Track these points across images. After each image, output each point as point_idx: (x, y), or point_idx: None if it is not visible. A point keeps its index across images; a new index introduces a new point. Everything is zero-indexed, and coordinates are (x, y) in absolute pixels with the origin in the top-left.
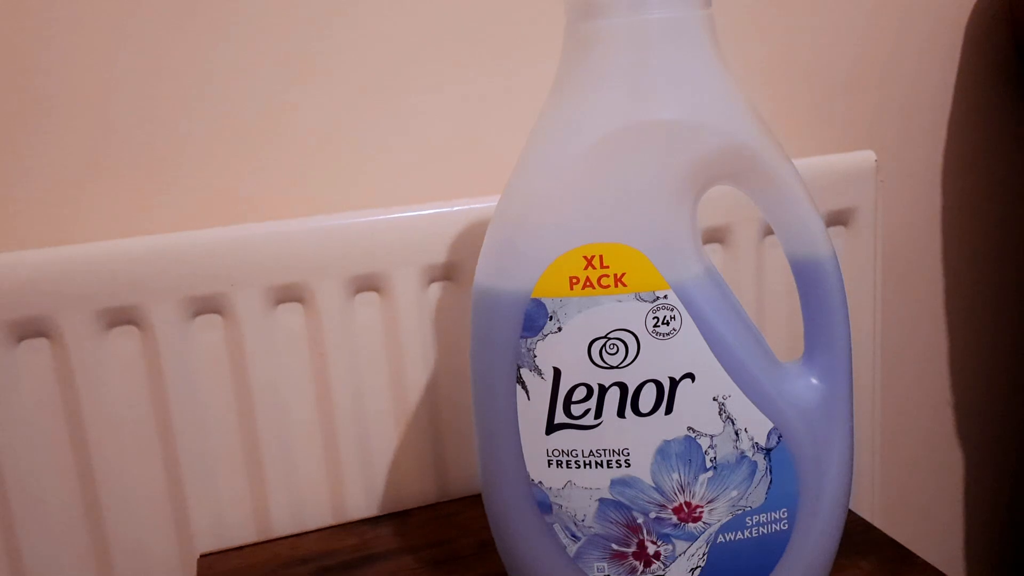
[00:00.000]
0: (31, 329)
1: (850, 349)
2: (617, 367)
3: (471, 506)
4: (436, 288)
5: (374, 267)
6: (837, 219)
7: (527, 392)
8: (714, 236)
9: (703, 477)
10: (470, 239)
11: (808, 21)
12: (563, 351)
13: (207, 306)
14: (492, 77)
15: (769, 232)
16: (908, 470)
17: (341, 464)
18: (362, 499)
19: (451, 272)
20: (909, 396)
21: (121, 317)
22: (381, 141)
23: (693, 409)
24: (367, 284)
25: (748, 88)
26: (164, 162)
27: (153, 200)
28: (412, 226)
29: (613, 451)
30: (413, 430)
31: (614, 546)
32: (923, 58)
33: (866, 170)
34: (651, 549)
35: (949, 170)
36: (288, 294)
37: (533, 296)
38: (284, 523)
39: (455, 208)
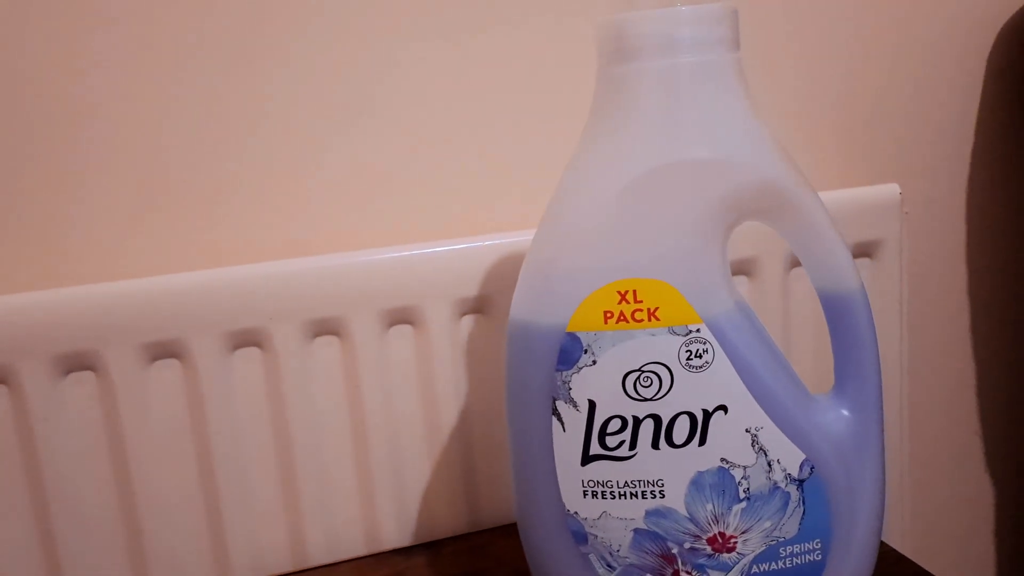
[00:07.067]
0: (77, 363)
1: (880, 381)
2: (651, 399)
3: (503, 536)
4: (468, 321)
5: (407, 301)
6: (862, 251)
7: (562, 424)
8: (741, 268)
9: (736, 508)
10: (501, 273)
11: (832, 56)
12: (598, 384)
13: (246, 339)
14: (522, 114)
15: (795, 264)
16: (937, 500)
17: (375, 494)
18: (395, 529)
19: (482, 305)
20: (937, 426)
21: (164, 351)
22: (414, 177)
23: (726, 441)
24: (401, 317)
25: (774, 123)
26: (207, 201)
27: (195, 237)
28: (444, 260)
29: (648, 482)
30: (445, 460)
31: None
32: (946, 91)
33: (891, 202)
34: None
35: (973, 201)
36: (324, 327)
37: (568, 330)
38: (319, 553)
39: (486, 242)
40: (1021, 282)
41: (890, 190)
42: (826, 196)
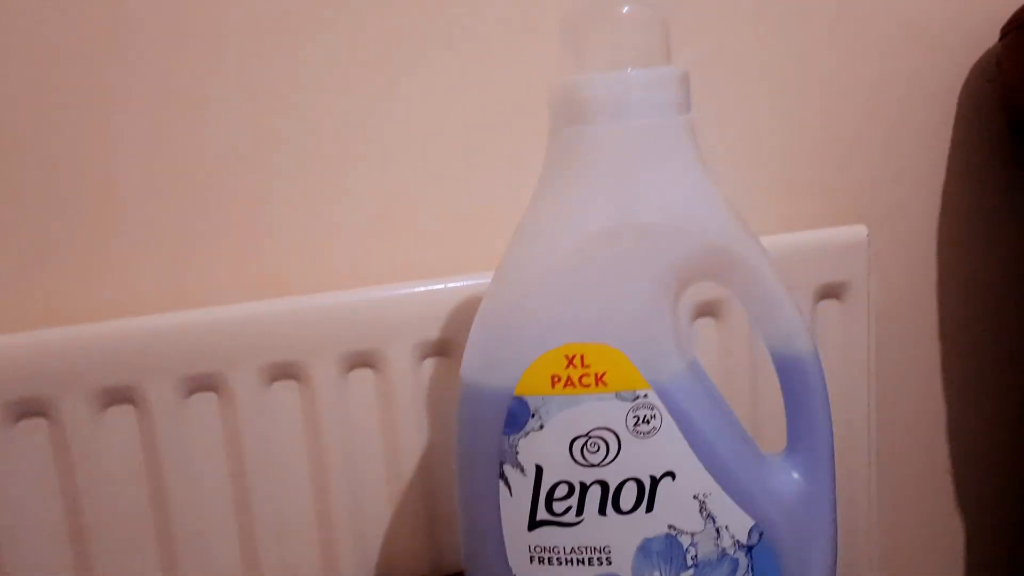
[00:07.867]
0: (29, 409)
1: (832, 445)
2: (598, 465)
3: None
4: (430, 364)
5: (368, 344)
6: (830, 292)
7: (510, 488)
8: (707, 310)
9: (684, 575)
10: (463, 315)
11: (800, 97)
12: (545, 449)
13: (203, 384)
14: (485, 157)
15: None
16: (907, 542)
17: (335, 539)
18: (355, 573)
19: (444, 348)
20: (906, 468)
21: (118, 396)
22: (375, 220)
23: (674, 507)
24: (361, 360)
25: (740, 165)
26: (164, 244)
27: (151, 281)
28: (406, 303)
29: (595, 548)
30: (407, 505)
31: None
32: (915, 132)
33: (858, 244)
34: None
35: (942, 243)
36: (283, 371)
37: (516, 394)
38: None
39: (448, 285)
40: (989, 324)
41: (857, 231)
42: (793, 237)
